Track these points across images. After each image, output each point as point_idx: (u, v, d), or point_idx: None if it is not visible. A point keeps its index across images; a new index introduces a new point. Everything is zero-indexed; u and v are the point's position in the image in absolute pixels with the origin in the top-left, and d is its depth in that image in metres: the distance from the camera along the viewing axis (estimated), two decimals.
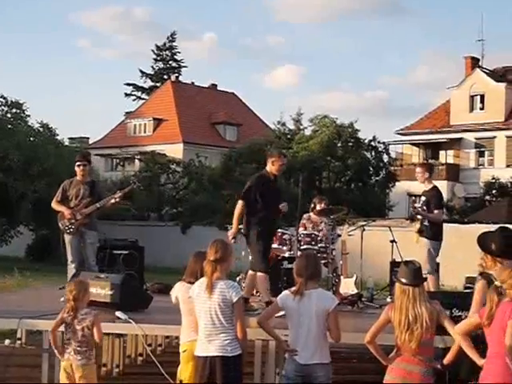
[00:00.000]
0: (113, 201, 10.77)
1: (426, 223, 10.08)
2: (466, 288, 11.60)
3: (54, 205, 10.60)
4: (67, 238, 10.45)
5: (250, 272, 9.31)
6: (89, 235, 10.57)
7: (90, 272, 10.00)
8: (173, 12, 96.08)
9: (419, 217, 10.20)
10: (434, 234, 10.07)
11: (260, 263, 9.15)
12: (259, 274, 9.14)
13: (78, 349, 6.77)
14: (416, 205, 10.38)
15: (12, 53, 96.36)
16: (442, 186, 31.53)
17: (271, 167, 9.55)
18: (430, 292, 7.77)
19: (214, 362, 5.92)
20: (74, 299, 6.80)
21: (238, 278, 11.07)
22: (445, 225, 10.56)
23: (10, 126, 30.86)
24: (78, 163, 10.70)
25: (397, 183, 40.31)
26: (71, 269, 10.34)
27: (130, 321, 8.21)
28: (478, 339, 5.49)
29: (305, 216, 11.51)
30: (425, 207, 10.25)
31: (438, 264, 10.55)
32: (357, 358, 10.42)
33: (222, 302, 5.89)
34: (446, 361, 5.74)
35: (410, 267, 5.73)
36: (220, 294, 5.90)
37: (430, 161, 43.48)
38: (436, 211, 10.10)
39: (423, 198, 10.38)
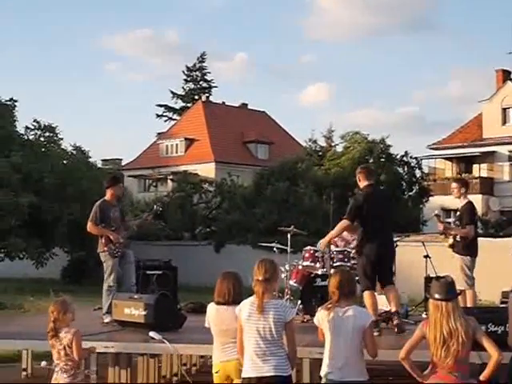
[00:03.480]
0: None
1: (457, 238, 10.01)
2: (502, 303, 11.48)
3: (94, 228, 10.46)
4: (111, 261, 10.38)
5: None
6: (129, 255, 10.66)
7: (125, 293, 10.07)
8: (204, 33, 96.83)
9: (453, 232, 10.18)
10: (465, 249, 9.97)
11: None
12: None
13: (64, 367, 6.88)
14: (450, 219, 10.34)
15: (44, 77, 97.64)
16: (477, 200, 31.23)
17: None
18: (465, 308, 7.70)
19: (268, 382, 5.84)
20: (55, 320, 6.96)
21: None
22: (480, 239, 10.45)
23: (43, 150, 31.19)
24: (112, 185, 10.76)
25: (430, 198, 39.99)
26: (111, 290, 10.33)
27: (164, 341, 8.24)
28: None
29: None
30: (458, 222, 10.21)
31: (473, 279, 10.45)
32: (392, 375, 10.31)
33: (277, 321, 5.86)
34: (482, 377, 5.66)
35: (442, 282, 5.69)
36: (275, 313, 5.87)
37: (463, 175, 43.19)
38: (467, 227, 10.01)
39: (458, 213, 10.36)
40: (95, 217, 10.44)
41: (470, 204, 10.23)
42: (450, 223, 11.22)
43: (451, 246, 10.10)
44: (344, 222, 9.39)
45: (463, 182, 10.71)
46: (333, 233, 9.64)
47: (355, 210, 9.34)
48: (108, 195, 10.68)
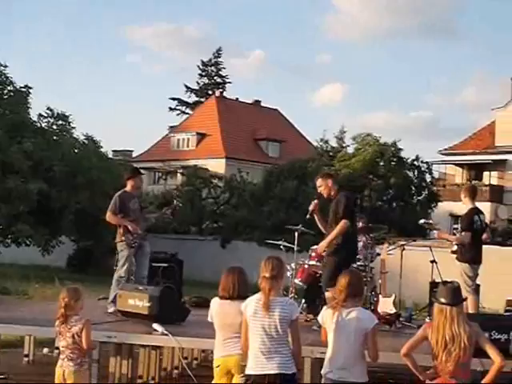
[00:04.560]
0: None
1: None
2: (506, 311, 11.45)
3: (113, 218, 10.47)
4: (127, 251, 10.40)
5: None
6: (146, 246, 10.68)
7: (131, 284, 10.07)
8: (222, 30, 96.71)
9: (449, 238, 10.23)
10: (463, 256, 9.90)
11: None
12: None
13: (71, 355, 6.82)
14: (456, 226, 10.35)
15: (60, 64, 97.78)
16: (486, 207, 31.17)
17: None
18: (468, 314, 7.68)
19: (272, 379, 5.81)
20: (66, 306, 6.85)
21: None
22: (486, 247, 10.35)
23: (55, 138, 31.23)
24: (132, 176, 10.76)
25: (439, 203, 39.88)
26: (120, 281, 10.30)
27: (167, 333, 8.25)
28: None
29: None
30: (459, 228, 10.17)
31: (478, 286, 10.38)
32: (393, 378, 10.31)
33: (283, 319, 5.85)
34: (484, 382, 5.66)
35: (448, 287, 5.72)
36: (281, 311, 5.86)
37: (473, 182, 43.08)
38: (462, 233, 9.93)
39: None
40: (114, 207, 10.48)
41: (470, 210, 10.12)
42: (456, 229, 11.20)
43: (454, 253, 10.04)
44: (345, 224, 9.27)
45: (468, 188, 10.59)
46: (333, 235, 9.34)
47: (351, 212, 9.55)
48: (128, 186, 10.70)
